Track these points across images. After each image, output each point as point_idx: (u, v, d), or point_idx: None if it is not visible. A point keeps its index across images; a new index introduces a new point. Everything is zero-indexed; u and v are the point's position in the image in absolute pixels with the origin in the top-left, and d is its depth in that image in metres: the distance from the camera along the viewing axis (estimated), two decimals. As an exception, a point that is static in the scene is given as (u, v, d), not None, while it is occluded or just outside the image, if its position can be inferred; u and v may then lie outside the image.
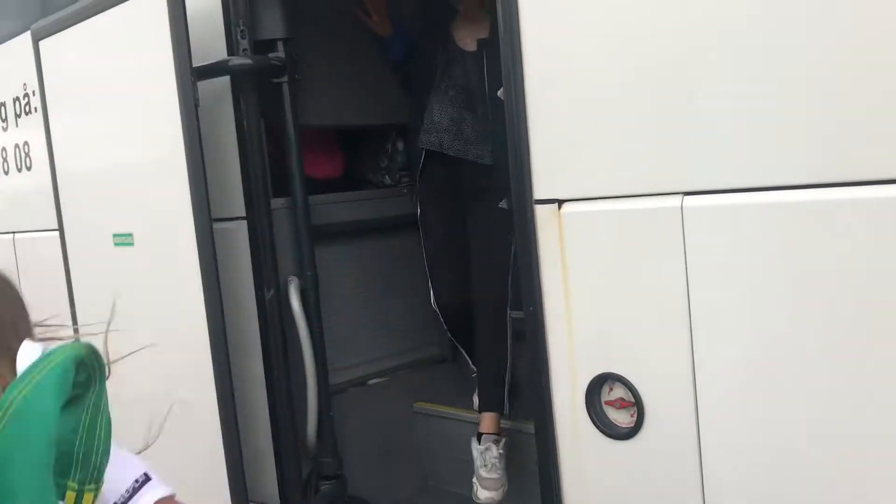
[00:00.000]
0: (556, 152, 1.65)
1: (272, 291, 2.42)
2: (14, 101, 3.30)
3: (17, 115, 3.31)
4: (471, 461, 2.69)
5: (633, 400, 1.61)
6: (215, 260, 2.25)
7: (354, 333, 2.91)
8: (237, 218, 2.42)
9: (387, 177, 3.14)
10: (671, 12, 1.47)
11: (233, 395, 2.31)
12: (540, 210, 1.68)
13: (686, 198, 1.48)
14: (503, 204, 2.58)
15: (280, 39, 2.43)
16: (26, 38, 2.83)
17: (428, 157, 2.73)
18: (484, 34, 2.65)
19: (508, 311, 2.65)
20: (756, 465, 1.47)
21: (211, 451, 2.35)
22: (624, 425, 1.64)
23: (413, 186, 2.86)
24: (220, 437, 2.32)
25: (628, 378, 1.61)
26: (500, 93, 2.35)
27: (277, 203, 2.51)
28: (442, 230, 2.81)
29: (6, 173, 3.45)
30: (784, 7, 1.35)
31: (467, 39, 2.70)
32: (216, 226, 2.28)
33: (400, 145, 3.12)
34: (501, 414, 2.64)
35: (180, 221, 2.27)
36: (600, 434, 1.67)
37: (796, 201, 1.36)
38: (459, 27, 2.74)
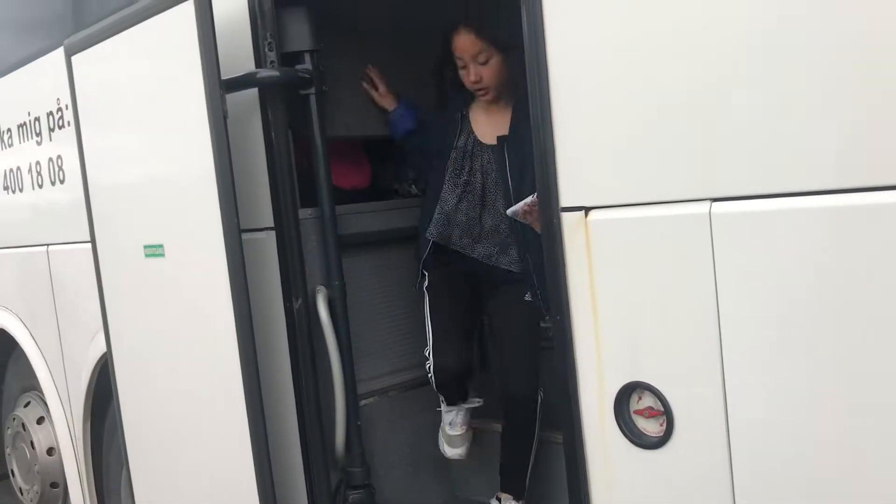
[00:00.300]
0: (582, 159, 1.65)
1: (300, 301, 2.43)
2: (48, 116, 3.36)
3: (51, 130, 3.37)
4: (493, 471, 2.69)
5: (662, 409, 1.60)
6: (244, 270, 2.26)
7: (382, 343, 2.92)
8: (266, 228, 2.44)
9: (413, 186, 3.16)
10: (697, 17, 1.46)
11: (262, 404, 2.32)
12: (566, 218, 1.67)
13: (714, 204, 1.46)
14: (529, 297, 2.51)
15: (307, 51, 2.45)
16: (59, 53, 2.88)
17: (437, 246, 2.63)
18: (504, 129, 2.50)
19: (538, 406, 2.59)
20: (788, 474, 1.45)
21: (240, 461, 2.36)
22: (653, 434, 1.62)
23: (420, 278, 2.71)
24: (250, 446, 2.33)
25: (657, 387, 1.60)
26: (510, 211, 2.28)
27: (305, 213, 2.53)
28: (450, 307, 2.67)
29: (40, 186, 3.51)
30: (815, 8, 1.33)
31: (486, 133, 2.55)
32: (245, 236, 2.30)
33: (426, 155, 3.13)
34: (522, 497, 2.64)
35: (210, 232, 2.29)
36: (629, 443, 1.65)
37: (829, 206, 1.34)
38: (478, 118, 2.58)
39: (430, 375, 2.67)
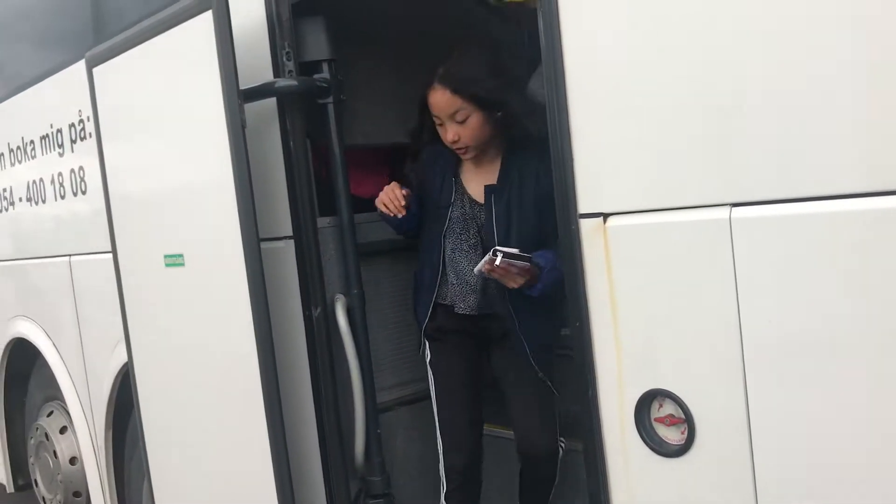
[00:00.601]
0: (600, 165, 1.64)
1: (319, 310, 2.43)
2: (70, 128, 3.40)
3: (73, 141, 3.40)
4: (513, 480, 2.67)
5: (683, 416, 1.58)
6: (263, 279, 2.27)
7: (401, 351, 2.91)
8: (284, 237, 2.45)
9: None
10: (716, 20, 1.45)
11: (281, 413, 2.32)
12: (585, 224, 1.66)
13: (734, 209, 1.45)
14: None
15: (325, 61, 2.46)
16: (81, 65, 2.92)
17: (436, 306, 2.47)
18: (492, 178, 2.34)
19: (560, 458, 2.47)
20: (813, 482, 1.43)
21: (260, 470, 2.36)
22: (674, 442, 1.61)
23: (422, 346, 2.57)
24: (269, 455, 2.33)
25: (678, 394, 1.58)
26: (476, 270, 2.16)
27: (324, 222, 2.53)
28: (457, 395, 2.50)
29: (62, 198, 3.55)
30: (839, 9, 1.32)
31: (477, 189, 2.38)
32: (264, 245, 2.31)
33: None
34: None
35: (229, 241, 2.30)
36: (650, 452, 1.64)
37: (853, 210, 1.32)
38: (469, 178, 2.41)
39: (442, 477, 2.52)
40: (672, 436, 1.61)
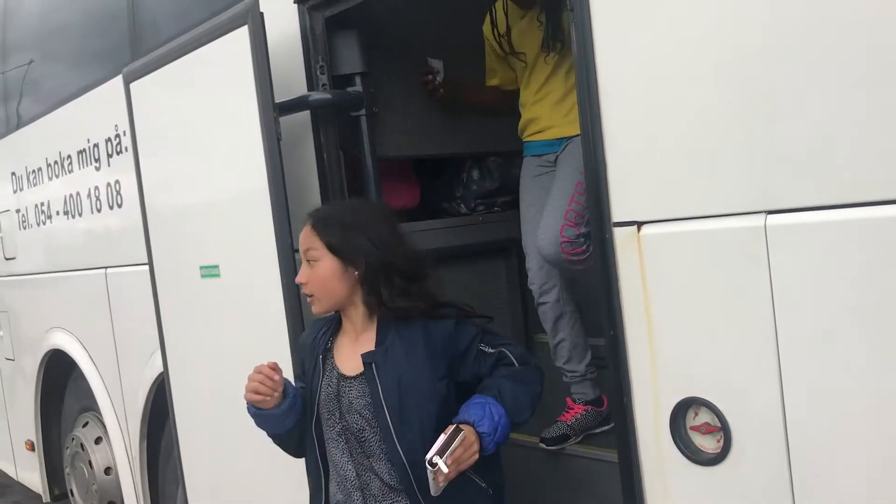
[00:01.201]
0: (634, 173, 1.64)
1: (351, 319, 2.45)
2: (106, 142, 3.47)
3: (109, 156, 3.47)
4: (545, 492, 2.66)
5: (719, 425, 1.58)
6: (298, 289, 2.30)
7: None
8: (318, 248, 2.47)
9: (462, 205, 3.17)
10: (751, 27, 1.46)
11: (315, 422, 2.34)
12: (618, 233, 1.67)
13: (769, 216, 1.45)
14: None
15: (358, 74, 2.50)
16: (118, 81, 2.97)
17: None
18: (369, 344, 1.97)
19: None
20: (851, 490, 1.42)
21: (295, 479, 2.38)
22: (710, 451, 1.60)
23: None
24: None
25: (714, 402, 1.58)
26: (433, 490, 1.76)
27: (356, 233, 2.56)
28: None
29: (99, 211, 3.61)
30: (870, 13, 1.32)
31: (351, 363, 1.99)
32: (298, 256, 2.33)
33: (475, 174, 3.15)
34: None
35: (264, 252, 2.33)
36: (686, 460, 1.63)
37: (889, 216, 1.32)
38: (342, 351, 2.04)
39: None
40: (708, 444, 1.61)
